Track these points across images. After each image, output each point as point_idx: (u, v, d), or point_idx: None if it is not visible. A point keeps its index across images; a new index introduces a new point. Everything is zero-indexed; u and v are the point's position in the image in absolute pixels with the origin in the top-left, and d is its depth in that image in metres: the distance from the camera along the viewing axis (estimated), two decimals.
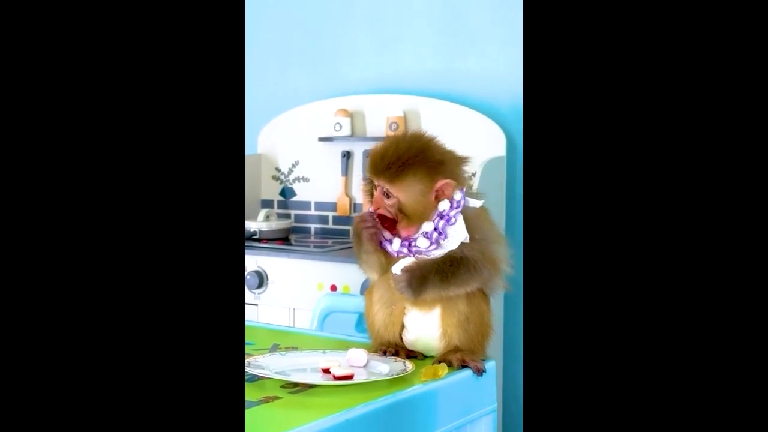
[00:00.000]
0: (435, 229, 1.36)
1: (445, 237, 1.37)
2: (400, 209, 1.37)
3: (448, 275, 1.35)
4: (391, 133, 2.86)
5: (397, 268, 1.35)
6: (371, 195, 1.41)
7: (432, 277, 1.34)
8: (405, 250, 1.37)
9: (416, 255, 1.37)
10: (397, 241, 1.38)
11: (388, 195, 1.37)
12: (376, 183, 1.39)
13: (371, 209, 1.39)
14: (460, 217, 1.38)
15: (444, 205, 1.37)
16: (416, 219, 1.37)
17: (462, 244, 1.37)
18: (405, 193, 1.36)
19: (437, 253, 1.37)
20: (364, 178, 1.44)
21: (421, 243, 1.36)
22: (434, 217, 1.37)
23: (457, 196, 1.38)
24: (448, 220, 1.37)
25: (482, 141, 2.75)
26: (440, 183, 1.37)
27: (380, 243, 1.39)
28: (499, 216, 2.66)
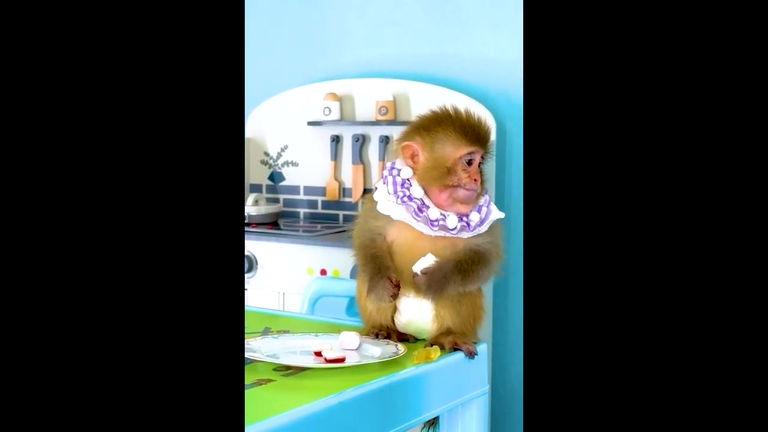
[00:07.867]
0: (485, 203, 1.38)
1: (490, 211, 1.38)
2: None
3: (469, 273, 1.34)
4: (382, 117, 2.85)
5: (418, 267, 1.33)
6: (447, 174, 1.34)
7: (453, 277, 1.33)
8: (464, 224, 1.35)
9: (473, 230, 1.35)
10: (453, 218, 1.35)
11: (480, 164, 1.37)
12: (480, 154, 1.35)
13: (475, 181, 1.34)
14: None
15: None
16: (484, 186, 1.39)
17: (479, 234, 1.36)
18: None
19: (482, 229, 1.37)
20: (448, 160, 1.34)
21: (474, 217, 1.36)
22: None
23: None
24: (488, 194, 1.40)
25: None
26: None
27: (431, 223, 1.34)
28: None
